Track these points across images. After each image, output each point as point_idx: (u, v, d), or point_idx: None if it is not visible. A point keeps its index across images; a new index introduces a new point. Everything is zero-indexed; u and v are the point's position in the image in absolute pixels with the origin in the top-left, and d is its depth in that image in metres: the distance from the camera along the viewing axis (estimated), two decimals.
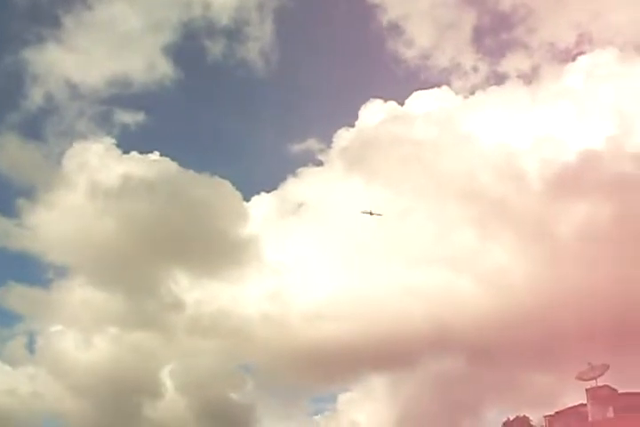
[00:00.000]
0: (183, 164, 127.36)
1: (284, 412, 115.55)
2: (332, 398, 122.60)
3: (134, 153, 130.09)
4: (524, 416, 76.22)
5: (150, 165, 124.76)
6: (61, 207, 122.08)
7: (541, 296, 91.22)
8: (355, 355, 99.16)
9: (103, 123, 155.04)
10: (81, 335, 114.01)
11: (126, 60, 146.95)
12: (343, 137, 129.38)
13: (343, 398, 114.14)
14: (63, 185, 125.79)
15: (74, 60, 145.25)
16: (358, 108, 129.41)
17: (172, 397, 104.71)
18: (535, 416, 74.30)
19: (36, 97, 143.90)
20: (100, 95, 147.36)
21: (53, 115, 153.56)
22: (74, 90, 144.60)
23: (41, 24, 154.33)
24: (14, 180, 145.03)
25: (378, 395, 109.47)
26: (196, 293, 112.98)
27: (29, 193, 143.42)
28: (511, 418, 76.27)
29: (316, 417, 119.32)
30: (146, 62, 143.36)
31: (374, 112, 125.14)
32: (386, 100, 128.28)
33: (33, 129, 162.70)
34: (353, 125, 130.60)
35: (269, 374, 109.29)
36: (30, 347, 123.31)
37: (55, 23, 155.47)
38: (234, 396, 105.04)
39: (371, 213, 76.33)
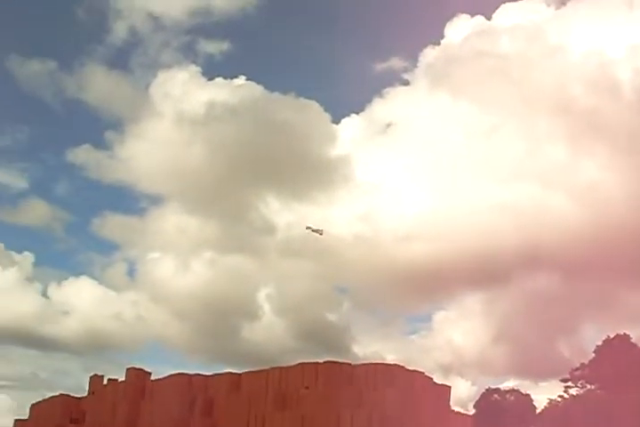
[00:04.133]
0: (269, 87, 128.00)
1: (380, 332, 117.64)
2: (428, 318, 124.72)
3: (219, 79, 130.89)
4: (625, 334, 74.77)
5: (235, 90, 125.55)
6: (150, 137, 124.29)
7: (636, 210, 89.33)
8: (448, 274, 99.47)
9: (187, 52, 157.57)
10: (177, 261, 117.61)
11: None
12: (428, 55, 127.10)
13: (438, 316, 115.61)
14: (150, 115, 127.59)
15: None
16: (444, 25, 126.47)
17: (269, 318, 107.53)
18: (636, 334, 73.08)
19: (120, 31, 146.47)
20: (183, 26, 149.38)
21: (138, 47, 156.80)
22: (156, 22, 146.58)
23: None
24: (103, 113, 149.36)
25: (472, 313, 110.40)
26: (287, 216, 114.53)
27: (118, 125, 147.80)
28: (611, 336, 74.88)
29: (412, 336, 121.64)
30: None
31: (460, 28, 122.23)
32: (472, 15, 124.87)
33: (119, 62, 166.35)
34: (438, 43, 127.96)
35: (364, 294, 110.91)
36: (131, 273, 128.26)
37: None
38: (330, 317, 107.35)
39: None
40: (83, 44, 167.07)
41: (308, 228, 78.15)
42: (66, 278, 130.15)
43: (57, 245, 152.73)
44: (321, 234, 77.53)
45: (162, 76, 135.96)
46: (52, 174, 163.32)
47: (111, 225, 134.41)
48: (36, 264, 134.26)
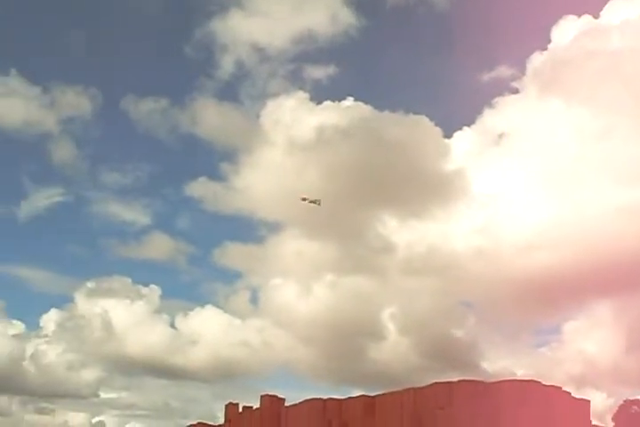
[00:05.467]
0: (377, 106, 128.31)
1: (509, 346, 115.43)
2: (556, 329, 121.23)
3: (327, 102, 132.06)
4: None
5: (344, 112, 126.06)
6: (264, 165, 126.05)
7: None
8: (574, 282, 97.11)
9: (294, 79, 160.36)
10: (299, 285, 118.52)
11: (309, 16, 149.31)
12: (536, 60, 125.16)
13: (567, 327, 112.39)
14: (262, 143, 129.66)
15: (258, 25, 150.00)
16: (550, 29, 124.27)
17: (394, 338, 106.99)
18: None
19: (227, 64, 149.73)
20: (288, 54, 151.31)
21: (246, 79, 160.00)
22: (262, 53, 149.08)
23: None
24: (217, 145, 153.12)
25: (603, 322, 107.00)
26: (406, 233, 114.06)
27: (232, 156, 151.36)
28: None
29: (542, 349, 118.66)
30: (328, 15, 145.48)
31: (567, 29, 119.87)
32: (579, 15, 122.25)
33: (228, 94, 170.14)
34: (546, 47, 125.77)
35: (490, 308, 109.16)
36: (254, 301, 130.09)
37: None
38: (456, 333, 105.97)
39: None
40: (192, 79, 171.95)
41: (303, 199, 76.62)
42: (192, 309, 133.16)
43: (181, 276, 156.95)
44: (319, 204, 75.83)
45: (271, 105, 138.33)
46: (173, 209, 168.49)
47: (232, 254, 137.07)
48: (163, 296, 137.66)
